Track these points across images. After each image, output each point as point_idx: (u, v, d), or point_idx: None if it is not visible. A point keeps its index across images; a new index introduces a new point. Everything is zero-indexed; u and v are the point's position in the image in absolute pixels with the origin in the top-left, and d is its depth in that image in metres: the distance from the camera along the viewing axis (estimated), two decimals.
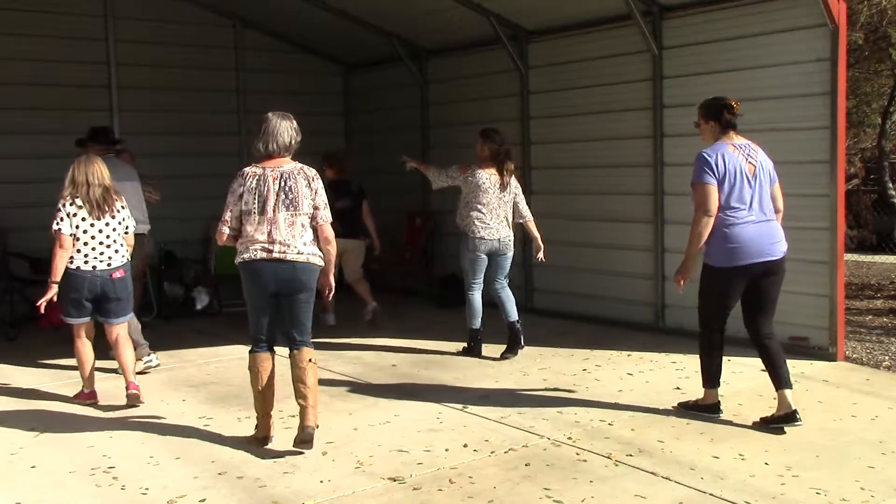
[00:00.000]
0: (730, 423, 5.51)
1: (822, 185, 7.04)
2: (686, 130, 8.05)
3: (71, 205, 5.99)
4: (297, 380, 5.11)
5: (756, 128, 7.49)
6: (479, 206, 7.27)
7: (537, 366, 7.07)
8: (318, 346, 7.88)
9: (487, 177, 7.31)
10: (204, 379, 6.87)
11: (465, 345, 7.62)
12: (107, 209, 6.07)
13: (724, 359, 7.16)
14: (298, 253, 5.05)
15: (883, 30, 11.53)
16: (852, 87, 12.15)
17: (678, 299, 8.21)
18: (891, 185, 12.94)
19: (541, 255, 7.53)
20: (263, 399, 5.21)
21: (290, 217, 5.03)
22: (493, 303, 7.51)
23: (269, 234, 5.01)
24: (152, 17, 10.54)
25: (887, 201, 12.92)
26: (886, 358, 7.26)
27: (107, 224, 6.07)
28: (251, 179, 5.05)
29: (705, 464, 4.76)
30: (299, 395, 5.10)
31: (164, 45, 10.55)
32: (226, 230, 5.11)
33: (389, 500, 4.38)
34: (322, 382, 6.60)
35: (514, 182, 7.48)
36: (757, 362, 7.02)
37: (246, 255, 5.06)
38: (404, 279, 10.95)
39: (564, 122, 9.12)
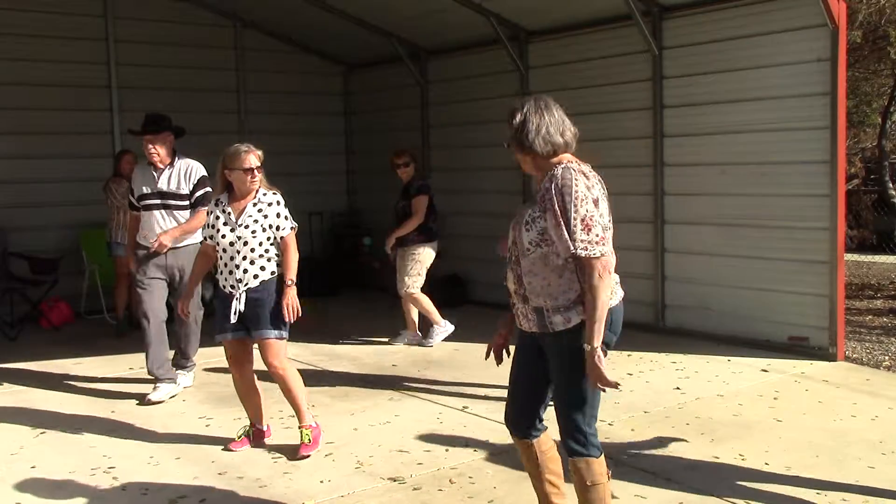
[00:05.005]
0: (730, 423, 5.51)
1: (822, 185, 7.04)
2: (686, 130, 8.09)
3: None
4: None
5: (756, 128, 7.52)
6: None
7: None
8: (317, 347, 7.99)
9: None
10: (204, 379, 6.86)
11: None
12: None
13: (724, 359, 7.20)
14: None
15: (882, 29, 11.51)
16: (852, 87, 12.12)
17: (678, 299, 8.23)
18: (891, 185, 12.91)
19: None
20: None
21: None
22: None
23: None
24: (152, 17, 10.52)
25: (887, 201, 12.89)
26: (886, 358, 7.26)
27: None
28: (596, 180, 3.40)
29: (705, 464, 4.76)
30: None
31: (164, 45, 10.54)
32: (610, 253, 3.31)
33: (389, 500, 4.38)
34: (322, 383, 6.63)
35: None
36: (757, 362, 7.07)
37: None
38: None
39: None
